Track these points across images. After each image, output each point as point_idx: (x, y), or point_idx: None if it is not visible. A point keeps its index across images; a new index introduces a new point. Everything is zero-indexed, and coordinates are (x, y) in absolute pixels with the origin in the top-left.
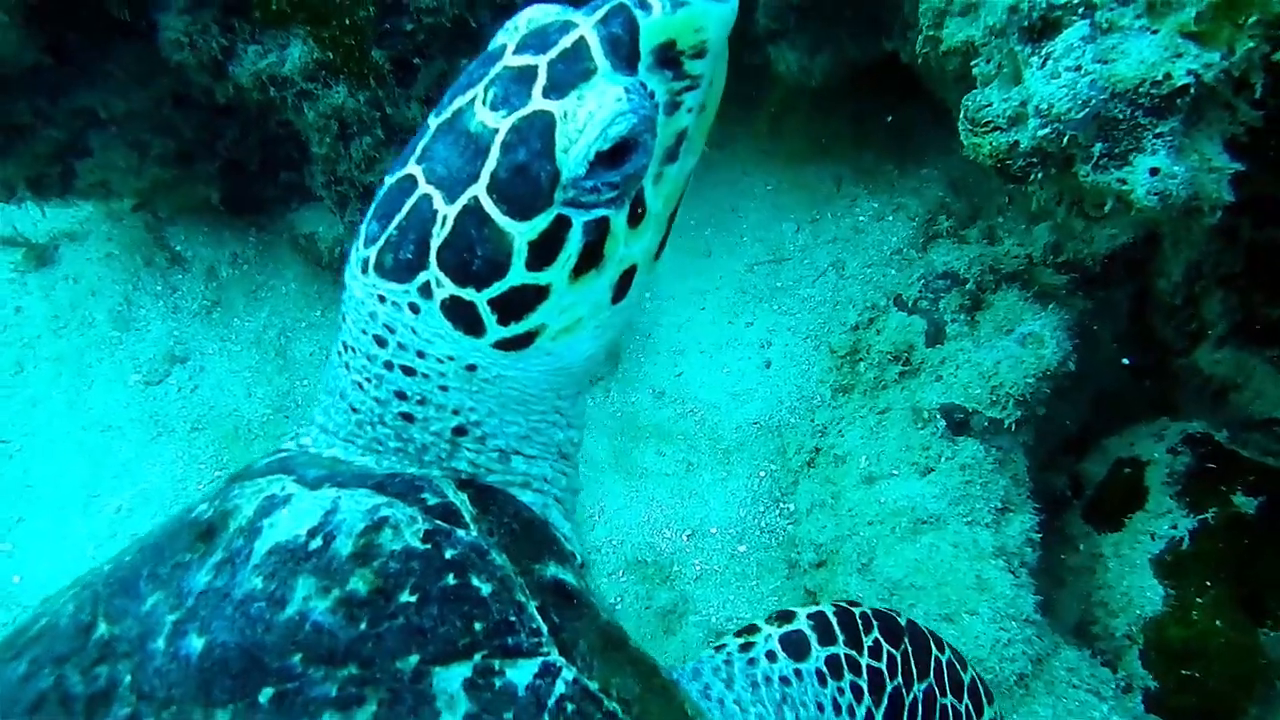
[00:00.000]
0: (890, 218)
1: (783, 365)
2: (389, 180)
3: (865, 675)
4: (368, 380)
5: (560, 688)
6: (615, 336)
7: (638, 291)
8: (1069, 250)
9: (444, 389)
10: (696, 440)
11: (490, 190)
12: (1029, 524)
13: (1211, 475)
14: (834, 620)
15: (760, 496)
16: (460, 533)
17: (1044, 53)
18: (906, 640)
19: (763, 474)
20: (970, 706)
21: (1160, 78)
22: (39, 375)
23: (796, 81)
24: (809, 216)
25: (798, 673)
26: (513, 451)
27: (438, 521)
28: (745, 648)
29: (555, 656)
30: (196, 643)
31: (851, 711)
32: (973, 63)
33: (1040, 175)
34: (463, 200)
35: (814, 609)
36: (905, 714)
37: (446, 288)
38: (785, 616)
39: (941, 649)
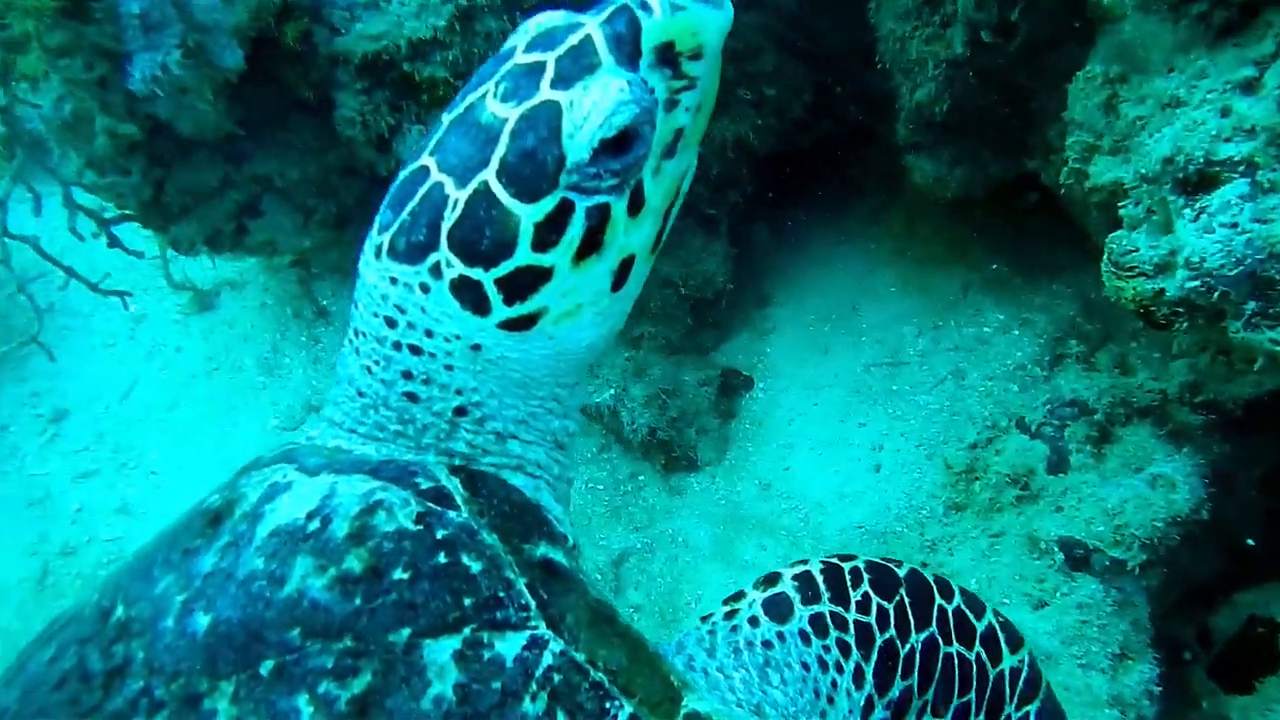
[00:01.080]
0: (1016, 331)
1: (893, 471)
2: (403, 173)
3: (853, 630)
4: (376, 363)
5: (548, 659)
6: (614, 327)
7: (635, 283)
8: (1209, 390)
9: (449, 368)
10: (800, 538)
11: (499, 174)
12: (1149, 675)
13: None
14: (820, 578)
15: None
16: (451, 514)
17: (1199, 206)
18: (903, 591)
19: None
20: (984, 654)
21: None
22: (191, 413)
23: (931, 191)
24: (931, 322)
25: (780, 635)
26: (509, 435)
27: (429, 504)
28: (730, 615)
29: (543, 630)
30: (203, 620)
31: (839, 667)
32: (1120, 204)
33: (1186, 325)
34: (473, 184)
35: (801, 568)
36: (901, 665)
37: (456, 267)
38: (770, 579)
39: (949, 596)
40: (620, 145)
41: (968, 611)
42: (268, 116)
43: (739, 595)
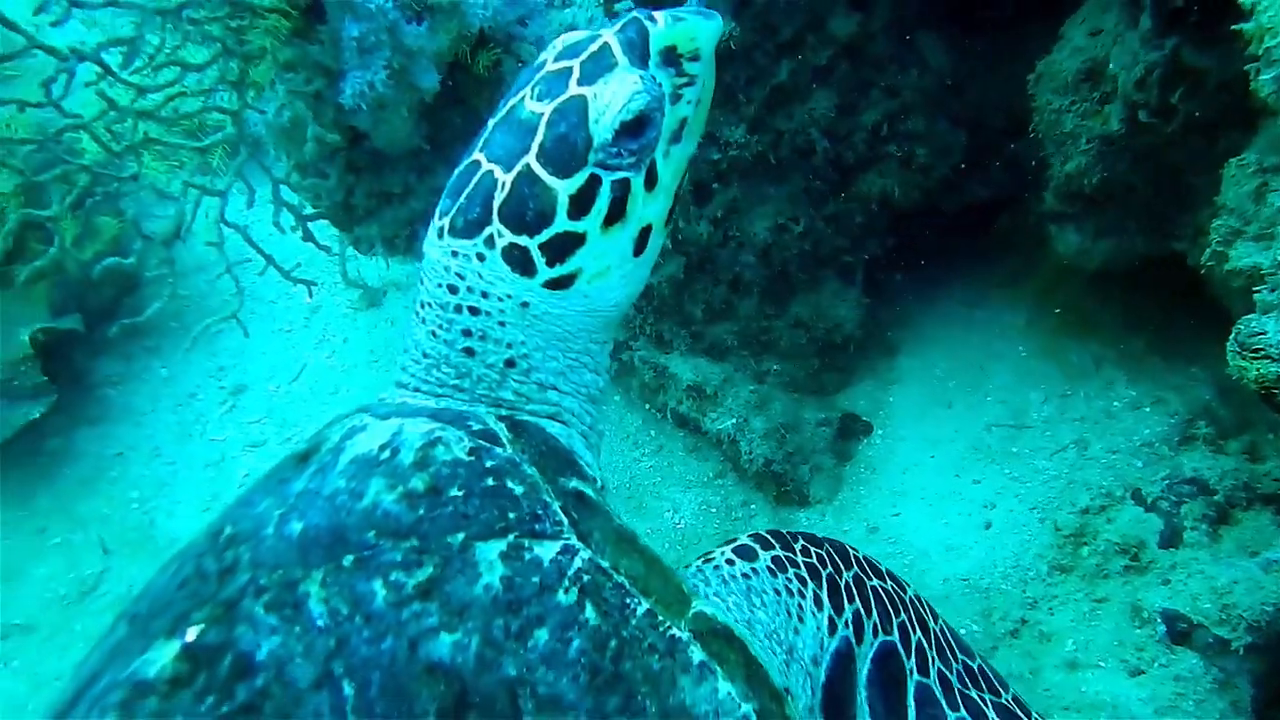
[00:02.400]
0: (1148, 409)
1: (1004, 530)
2: (456, 170)
3: (804, 568)
4: (440, 327)
5: (578, 563)
6: (635, 290)
7: (652, 251)
8: None
9: (502, 324)
10: None
11: (538, 157)
12: None
13: None
14: (768, 536)
15: None
16: (498, 449)
17: None
18: (827, 546)
19: (963, 632)
20: (893, 586)
21: None
22: (350, 399)
23: (1074, 262)
24: (1060, 390)
25: (753, 570)
26: (550, 386)
27: (480, 441)
28: (707, 560)
29: (574, 541)
30: (297, 526)
31: (801, 594)
32: (1256, 289)
33: None
34: (518, 167)
35: (750, 535)
36: (844, 593)
37: (506, 237)
38: (729, 541)
39: (854, 554)
40: (636, 128)
41: (873, 562)
42: (452, 135)
43: (708, 554)
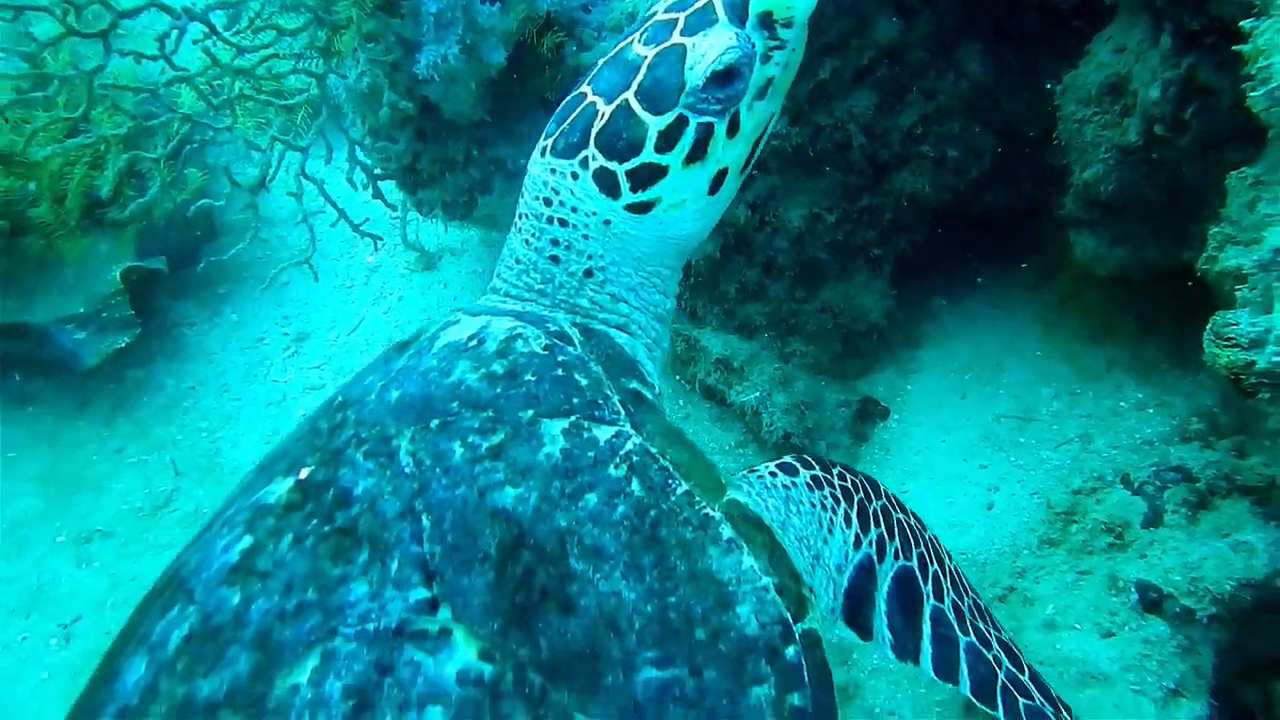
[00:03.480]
0: (1152, 410)
1: (1004, 512)
2: (565, 100)
3: (838, 489)
4: (532, 235)
5: (630, 445)
6: (707, 226)
7: (726, 193)
8: None
9: (585, 238)
10: None
11: (637, 94)
12: (1199, 713)
13: None
14: (809, 458)
15: None
16: (570, 349)
17: None
18: (860, 477)
19: None
20: (915, 522)
21: None
22: None
23: (1089, 266)
24: (1070, 389)
25: (793, 483)
26: (621, 299)
27: (555, 340)
28: (751, 471)
29: (628, 428)
30: (394, 393)
31: (834, 510)
32: (1237, 288)
33: (1268, 395)
34: (617, 101)
35: (792, 455)
36: (870, 518)
37: (599, 160)
38: (774, 458)
39: (885, 492)
40: (725, 79)
41: (895, 497)
42: (513, 110)
43: (753, 468)
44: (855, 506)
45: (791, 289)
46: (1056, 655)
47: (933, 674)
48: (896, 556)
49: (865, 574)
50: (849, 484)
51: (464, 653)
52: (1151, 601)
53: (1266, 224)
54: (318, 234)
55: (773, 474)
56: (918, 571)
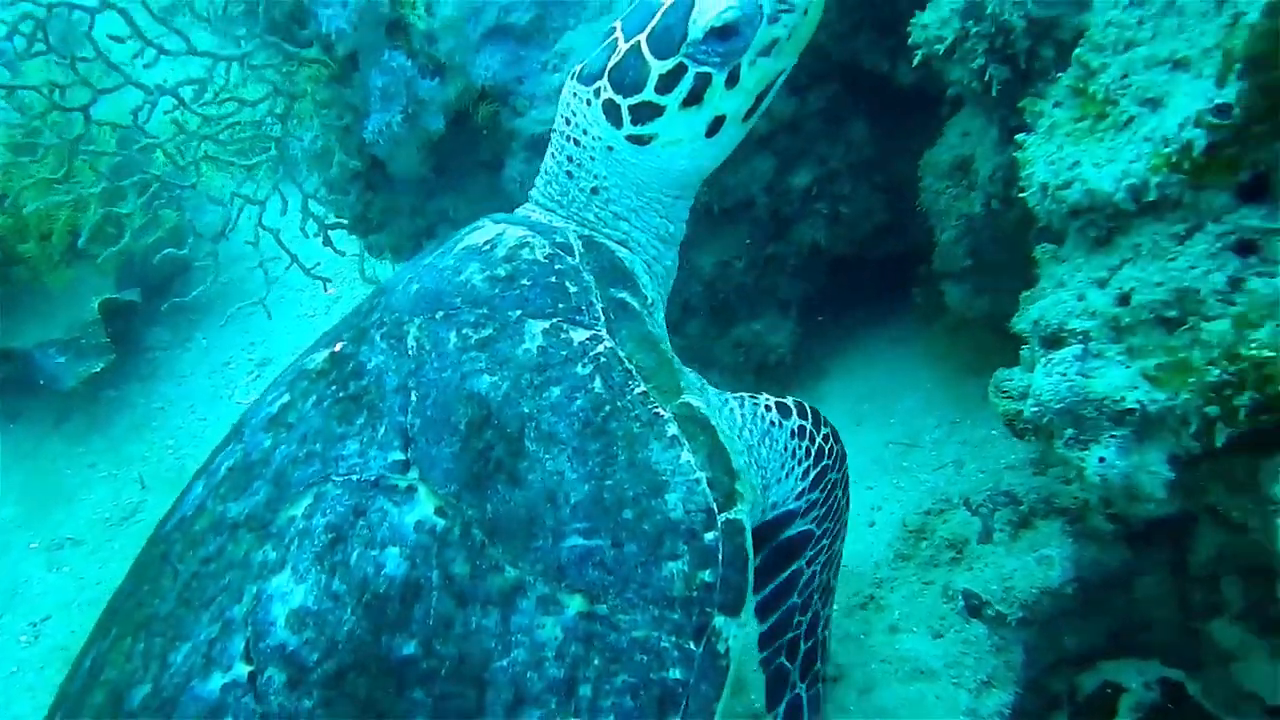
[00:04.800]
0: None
1: (883, 529)
2: (601, 33)
3: (815, 446)
4: (556, 149)
5: (599, 347)
6: (704, 164)
7: (725, 137)
8: (1117, 506)
9: (592, 159)
10: None
11: (648, 38)
12: (1006, 701)
13: (1169, 714)
14: (809, 409)
15: None
16: (569, 259)
17: (1049, 356)
18: (841, 446)
19: None
20: (845, 502)
21: (1119, 398)
22: None
23: (961, 313)
24: (951, 417)
25: (780, 422)
26: (623, 218)
27: (557, 250)
28: (753, 398)
29: (603, 333)
30: (414, 287)
31: (800, 462)
32: (1021, 346)
33: (1031, 439)
34: (632, 41)
35: (797, 400)
36: (822, 484)
37: (608, 92)
38: (779, 398)
39: (844, 471)
40: (724, 34)
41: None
42: (455, 167)
43: (757, 395)
44: (819, 469)
45: (707, 326)
46: (895, 654)
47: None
48: (816, 521)
49: (788, 516)
50: (826, 450)
51: (424, 507)
52: (974, 607)
53: (1037, 297)
54: (278, 272)
55: (768, 407)
56: (815, 534)
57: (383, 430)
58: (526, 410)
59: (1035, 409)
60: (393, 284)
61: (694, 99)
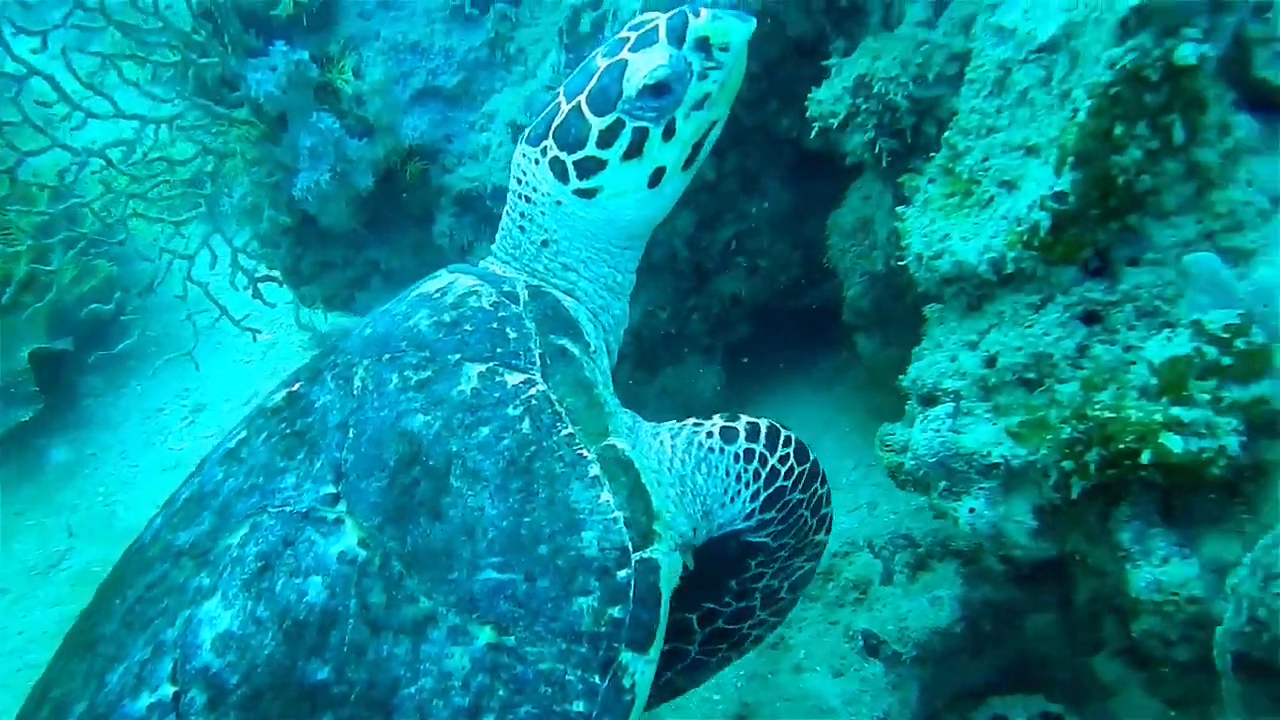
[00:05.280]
0: None
1: None
2: (542, 107)
3: (767, 468)
4: (510, 207)
5: (532, 391)
6: (650, 214)
7: (669, 188)
8: (1010, 548)
9: (542, 214)
10: None
11: (587, 98)
12: None
13: None
14: (761, 429)
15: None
16: (513, 306)
17: (925, 414)
18: (808, 465)
19: None
20: (815, 522)
21: (985, 453)
22: None
23: (871, 361)
24: (867, 460)
25: (721, 449)
26: (571, 268)
27: (503, 298)
28: (698, 424)
29: (537, 377)
30: (368, 331)
31: (747, 485)
32: (907, 405)
33: (911, 489)
34: (573, 102)
35: (753, 419)
36: (777, 504)
37: (554, 150)
38: (731, 417)
39: (824, 483)
40: (658, 91)
41: (825, 496)
42: (385, 220)
43: (701, 421)
44: (771, 491)
45: (634, 372)
46: (799, 692)
47: None
48: (772, 537)
49: (735, 534)
50: (782, 470)
51: (348, 538)
52: (872, 647)
53: (920, 355)
54: (209, 322)
55: (709, 434)
56: (770, 548)
57: (318, 465)
58: (454, 448)
59: (913, 462)
60: (354, 328)
61: (634, 151)
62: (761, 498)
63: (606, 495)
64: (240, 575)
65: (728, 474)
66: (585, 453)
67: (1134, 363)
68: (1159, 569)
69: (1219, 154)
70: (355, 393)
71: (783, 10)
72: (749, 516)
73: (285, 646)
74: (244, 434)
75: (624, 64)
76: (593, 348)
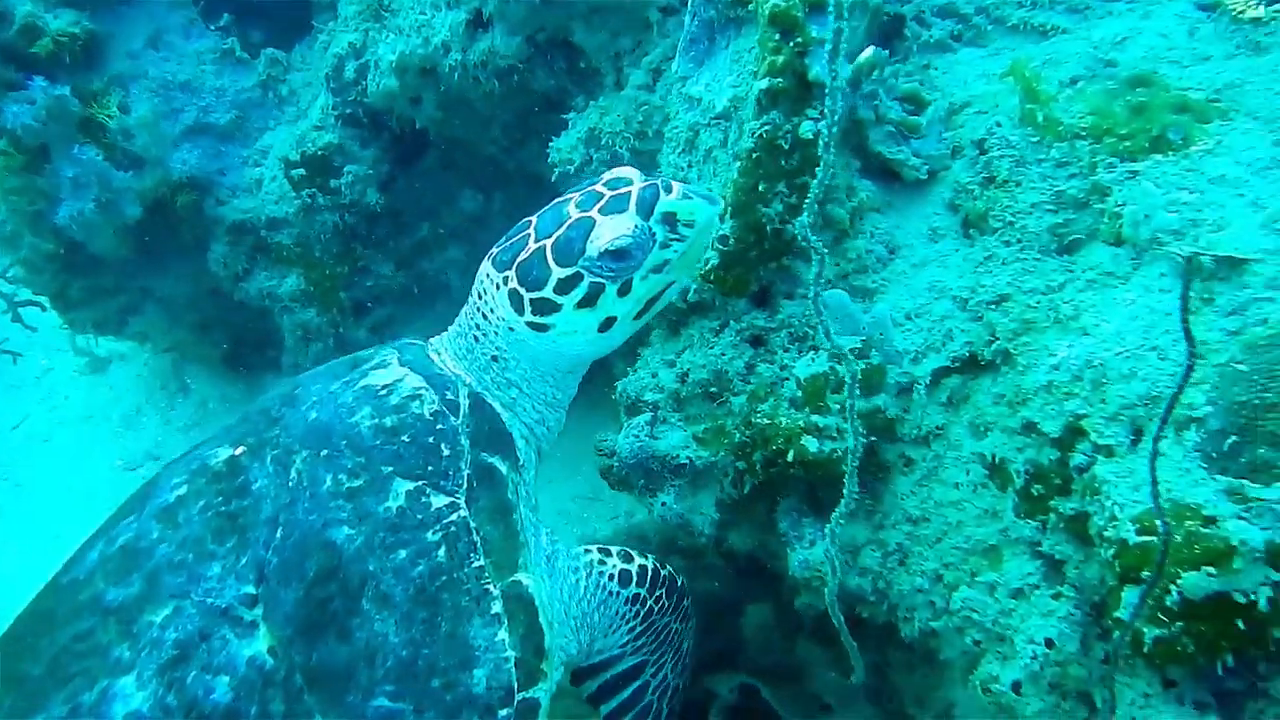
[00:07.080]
0: None
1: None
2: (520, 223)
3: (646, 608)
4: (469, 314)
5: (454, 516)
6: (599, 351)
7: (618, 333)
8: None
9: (496, 333)
10: None
11: (552, 246)
12: None
13: (747, 714)
14: (649, 574)
15: None
16: (452, 419)
17: (629, 422)
18: (677, 595)
19: None
20: (683, 629)
21: (675, 455)
22: (60, 446)
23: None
24: None
25: (618, 593)
26: (514, 384)
27: (444, 409)
28: (607, 559)
29: (461, 501)
30: (313, 414)
31: (628, 620)
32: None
33: (619, 488)
34: (539, 244)
35: (641, 563)
36: (655, 630)
37: (514, 283)
38: (627, 557)
39: (685, 598)
40: (618, 256)
41: (690, 609)
42: (158, 248)
43: (607, 551)
44: (645, 625)
45: None
46: None
47: None
48: (643, 662)
49: (614, 659)
50: (657, 608)
51: (259, 644)
52: None
53: (631, 372)
54: None
55: (611, 577)
56: (649, 677)
57: (244, 561)
58: (372, 568)
59: (618, 464)
60: (302, 395)
61: (588, 302)
62: (637, 630)
63: (503, 634)
64: (157, 659)
65: (617, 614)
66: (491, 588)
67: (787, 379)
68: (808, 550)
69: (848, 211)
70: (290, 484)
71: (529, 70)
72: (623, 645)
73: None
74: (184, 490)
75: (591, 223)
76: (521, 463)
